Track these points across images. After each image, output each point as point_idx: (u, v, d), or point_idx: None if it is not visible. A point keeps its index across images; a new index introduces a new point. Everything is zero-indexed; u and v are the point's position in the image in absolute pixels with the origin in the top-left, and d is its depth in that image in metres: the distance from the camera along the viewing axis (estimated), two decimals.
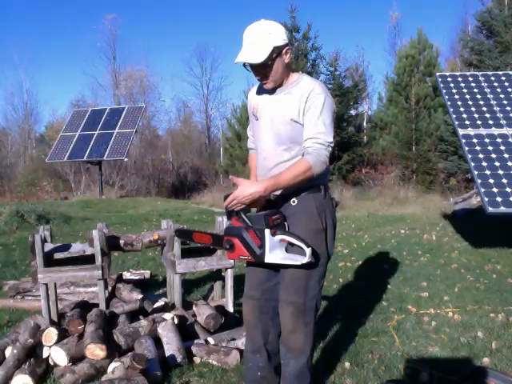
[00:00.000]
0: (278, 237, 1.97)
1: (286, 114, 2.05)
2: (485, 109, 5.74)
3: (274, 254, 1.97)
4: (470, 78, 6.34)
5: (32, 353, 2.58)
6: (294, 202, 2.09)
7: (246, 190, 1.93)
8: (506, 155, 5.07)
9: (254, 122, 2.22)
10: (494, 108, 5.73)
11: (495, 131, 5.40)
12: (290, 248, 2.02)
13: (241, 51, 1.99)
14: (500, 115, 5.60)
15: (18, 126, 28.60)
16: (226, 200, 2.00)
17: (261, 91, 2.17)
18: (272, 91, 2.10)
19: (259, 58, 1.95)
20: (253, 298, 2.21)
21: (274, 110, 2.09)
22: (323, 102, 2.00)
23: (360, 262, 5.36)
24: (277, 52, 1.98)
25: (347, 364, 2.73)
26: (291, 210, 2.09)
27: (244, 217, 1.99)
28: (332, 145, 2.02)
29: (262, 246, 1.95)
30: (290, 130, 2.06)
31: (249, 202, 1.96)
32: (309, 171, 1.95)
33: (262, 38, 1.95)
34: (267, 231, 1.94)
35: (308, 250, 1.95)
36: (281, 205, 2.12)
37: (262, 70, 2.02)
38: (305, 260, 1.96)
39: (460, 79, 6.34)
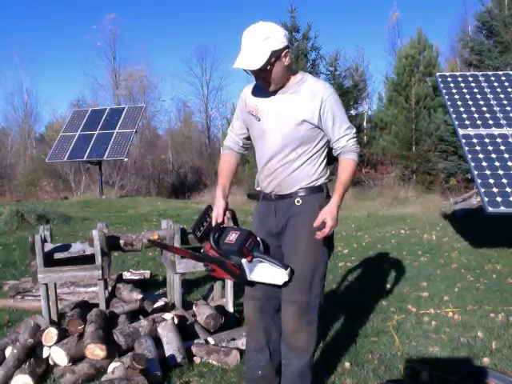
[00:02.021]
0: (256, 259, 2.01)
1: (297, 114, 2.06)
2: (485, 109, 5.73)
3: (256, 273, 2.01)
4: (470, 78, 6.34)
5: (32, 353, 2.58)
6: (298, 202, 2.11)
7: (333, 218, 1.99)
8: (506, 155, 5.07)
9: (252, 123, 2.19)
10: (494, 108, 5.73)
11: (495, 131, 5.40)
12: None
13: (239, 56, 1.97)
14: (500, 115, 5.60)
15: (18, 125, 28.56)
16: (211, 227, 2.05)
17: (259, 91, 2.14)
18: (275, 92, 2.10)
19: (257, 64, 1.94)
20: (254, 298, 2.22)
21: (281, 110, 2.08)
22: (337, 100, 2.10)
23: (360, 262, 5.35)
24: (275, 56, 1.96)
25: (347, 364, 2.73)
26: (295, 210, 2.11)
27: (218, 251, 1.97)
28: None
29: (242, 273, 1.99)
30: (299, 130, 2.07)
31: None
32: (356, 166, 2.16)
33: (260, 42, 1.93)
34: (244, 261, 1.97)
35: (286, 272, 1.99)
36: (285, 205, 2.13)
37: (261, 74, 2.01)
38: (286, 279, 2.01)
39: (460, 79, 6.34)
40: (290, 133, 2.08)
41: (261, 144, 2.18)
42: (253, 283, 2.07)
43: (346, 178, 2.09)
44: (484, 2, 13.14)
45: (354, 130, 2.14)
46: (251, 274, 2.00)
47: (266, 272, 2.01)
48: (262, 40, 1.93)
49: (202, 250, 2.11)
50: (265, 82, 2.06)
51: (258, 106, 2.14)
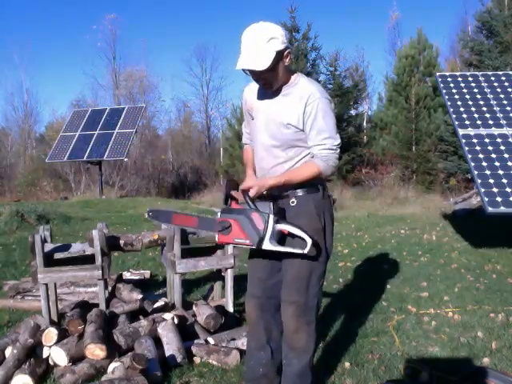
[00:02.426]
0: (280, 225, 1.97)
1: (284, 118, 2.04)
2: (485, 109, 5.73)
3: (272, 243, 1.96)
4: (470, 78, 6.34)
5: (32, 353, 2.58)
6: (293, 202, 2.10)
7: (266, 183, 2.00)
8: (506, 155, 5.07)
9: (250, 123, 2.22)
10: (494, 108, 5.73)
11: (495, 131, 5.40)
12: (289, 241, 2.02)
13: (242, 56, 1.94)
14: (500, 115, 5.60)
15: (18, 126, 28.58)
16: (227, 186, 2.03)
17: (257, 91, 2.15)
18: (269, 93, 2.09)
19: (263, 64, 1.92)
20: (254, 296, 2.22)
21: (271, 112, 2.08)
22: (323, 106, 2.01)
23: (360, 262, 5.35)
24: (279, 56, 1.96)
25: (347, 364, 2.73)
26: (290, 211, 2.09)
27: (249, 201, 1.97)
28: (339, 146, 2.06)
29: (263, 231, 1.93)
30: (286, 133, 2.05)
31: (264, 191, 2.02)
32: (318, 175, 2.04)
33: (264, 43, 1.91)
34: (272, 217, 1.94)
35: (309, 241, 1.94)
36: (281, 205, 2.12)
37: (263, 75, 1.99)
38: (305, 250, 1.95)
39: (460, 79, 6.34)
40: (277, 135, 2.07)
41: (255, 144, 2.19)
42: (265, 250, 2.00)
43: (296, 172, 2.04)
44: (484, 2, 13.17)
45: (337, 142, 2.04)
46: (269, 240, 1.95)
47: (280, 246, 1.99)
48: (266, 40, 1.91)
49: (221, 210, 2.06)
50: (265, 83, 2.05)
51: (254, 105, 2.15)
